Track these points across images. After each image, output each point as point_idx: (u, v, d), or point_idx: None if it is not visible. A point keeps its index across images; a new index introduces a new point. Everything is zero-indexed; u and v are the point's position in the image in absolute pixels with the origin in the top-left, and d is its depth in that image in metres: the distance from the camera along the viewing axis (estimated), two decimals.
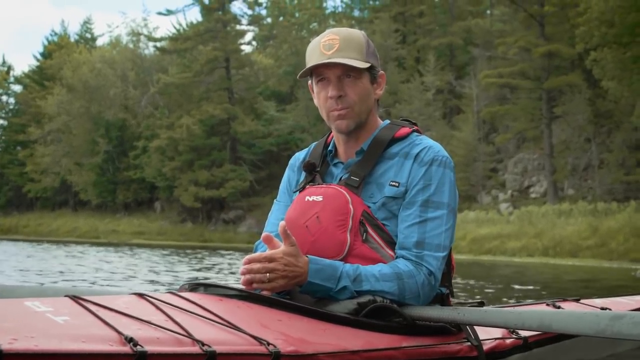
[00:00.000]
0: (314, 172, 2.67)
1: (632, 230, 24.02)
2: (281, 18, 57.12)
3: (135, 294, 2.07)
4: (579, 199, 31.56)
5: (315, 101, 2.68)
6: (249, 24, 56.01)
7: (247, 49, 57.85)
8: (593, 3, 26.88)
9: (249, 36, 58.12)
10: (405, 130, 2.63)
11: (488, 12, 46.72)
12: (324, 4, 58.16)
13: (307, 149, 2.86)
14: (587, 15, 27.61)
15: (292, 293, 2.45)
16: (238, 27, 54.12)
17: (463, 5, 47.80)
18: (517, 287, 12.10)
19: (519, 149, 38.85)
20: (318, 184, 2.61)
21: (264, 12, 57.58)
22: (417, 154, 2.54)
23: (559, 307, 3.20)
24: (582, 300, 3.43)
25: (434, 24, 47.07)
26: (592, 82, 33.09)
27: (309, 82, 2.70)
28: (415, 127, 2.67)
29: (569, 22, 33.24)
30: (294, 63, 51.02)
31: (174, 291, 2.17)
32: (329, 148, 2.72)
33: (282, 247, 2.34)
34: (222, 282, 2.38)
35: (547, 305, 3.26)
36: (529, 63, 35.74)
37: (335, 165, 2.68)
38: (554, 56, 34.76)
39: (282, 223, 2.35)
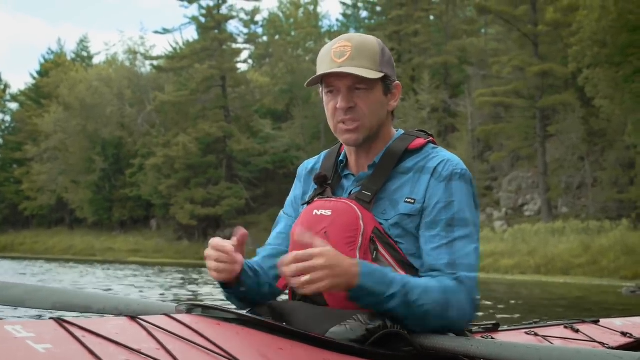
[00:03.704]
0: (326, 184, 2.48)
1: (622, 249, 24.15)
2: (277, 37, 57.34)
3: (127, 316, 1.89)
4: (573, 217, 31.68)
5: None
6: (245, 42, 56.24)
7: (243, 67, 58.21)
8: (586, 23, 27.12)
9: (245, 54, 58.47)
10: (420, 141, 2.44)
11: (483, 31, 47.01)
12: (320, 23, 58.47)
13: (316, 157, 2.67)
14: (580, 35, 27.85)
15: (293, 320, 2.21)
16: (234, 45, 54.40)
17: (458, 25, 48.06)
18: (512, 303, 12.23)
19: (513, 167, 38.99)
20: (327, 197, 2.41)
21: (260, 30, 57.84)
22: (435, 168, 2.35)
23: (577, 330, 3.09)
24: (601, 322, 3.30)
25: (429, 42, 47.30)
26: (585, 101, 33.26)
27: (320, 89, 2.48)
28: (430, 139, 2.48)
29: (563, 41, 33.50)
30: (289, 81, 51.27)
31: (168, 313, 2.00)
32: (340, 158, 2.53)
33: (319, 244, 2.10)
34: (220, 304, 2.19)
35: (565, 327, 3.13)
36: (523, 82, 35.93)
37: (345, 177, 2.49)
38: (548, 75, 34.95)
39: (299, 230, 2.21)
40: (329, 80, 2.37)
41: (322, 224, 2.29)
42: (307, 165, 2.67)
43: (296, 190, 2.65)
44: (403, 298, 2.14)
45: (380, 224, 2.31)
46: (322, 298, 2.27)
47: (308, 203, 2.46)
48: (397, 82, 2.48)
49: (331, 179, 2.49)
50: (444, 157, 2.38)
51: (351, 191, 2.41)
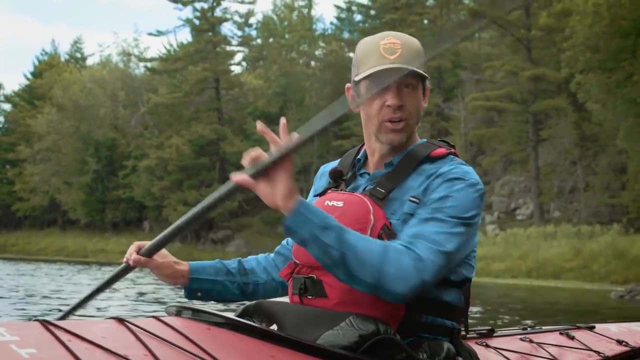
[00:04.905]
0: (340, 180, 2.46)
1: (613, 253, 24.23)
2: (271, 39, 57.38)
3: (114, 318, 1.83)
4: (565, 222, 31.76)
5: (355, 108, 2.37)
6: (239, 45, 56.21)
7: (236, 69, 58.15)
8: (579, 29, 27.21)
9: (238, 57, 58.43)
10: (441, 150, 2.39)
11: (476, 35, 47.12)
12: (314, 26, 58.52)
13: (337, 160, 2.63)
14: (572, 41, 27.95)
15: (285, 323, 2.18)
16: (228, 48, 54.38)
17: (452, 29, 48.16)
18: (505, 307, 12.26)
19: (506, 171, 39.10)
20: (341, 190, 2.39)
21: (254, 33, 57.87)
22: (445, 172, 2.28)
23: (573, 337, 3.10)
24: (596, 328, 3.35)
25: None
26: (577, 105, 33.38)
27: (348, 84, 2.43)
28: (452, 150, 2.43)
29: (556, 46, 33.63)
30: (283, 84, 51.32)
31: (157, 316, 1.95)
32: (359, 157, 2.51)
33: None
34: (212, 307, 2.13)
35: (561, 334, 3.14)
36: (515, 86, 36.07)
37: (361, 175, 2.45)
38: (541, 80, 35.07)
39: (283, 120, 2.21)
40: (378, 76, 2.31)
41: (332, 214, 2.19)
42: (327, 166, 2.64)
43: (314, 188, 2.62)
44: (338, 233, 2.04)
45: (391, 223, 2.25)
46: (322, 290, 2.24)
47: (321, 195, 2.44)
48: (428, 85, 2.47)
49: (347, 175, 2.47)
50: (460, 166, 2.32)
51: (366, 187, 2.38)
